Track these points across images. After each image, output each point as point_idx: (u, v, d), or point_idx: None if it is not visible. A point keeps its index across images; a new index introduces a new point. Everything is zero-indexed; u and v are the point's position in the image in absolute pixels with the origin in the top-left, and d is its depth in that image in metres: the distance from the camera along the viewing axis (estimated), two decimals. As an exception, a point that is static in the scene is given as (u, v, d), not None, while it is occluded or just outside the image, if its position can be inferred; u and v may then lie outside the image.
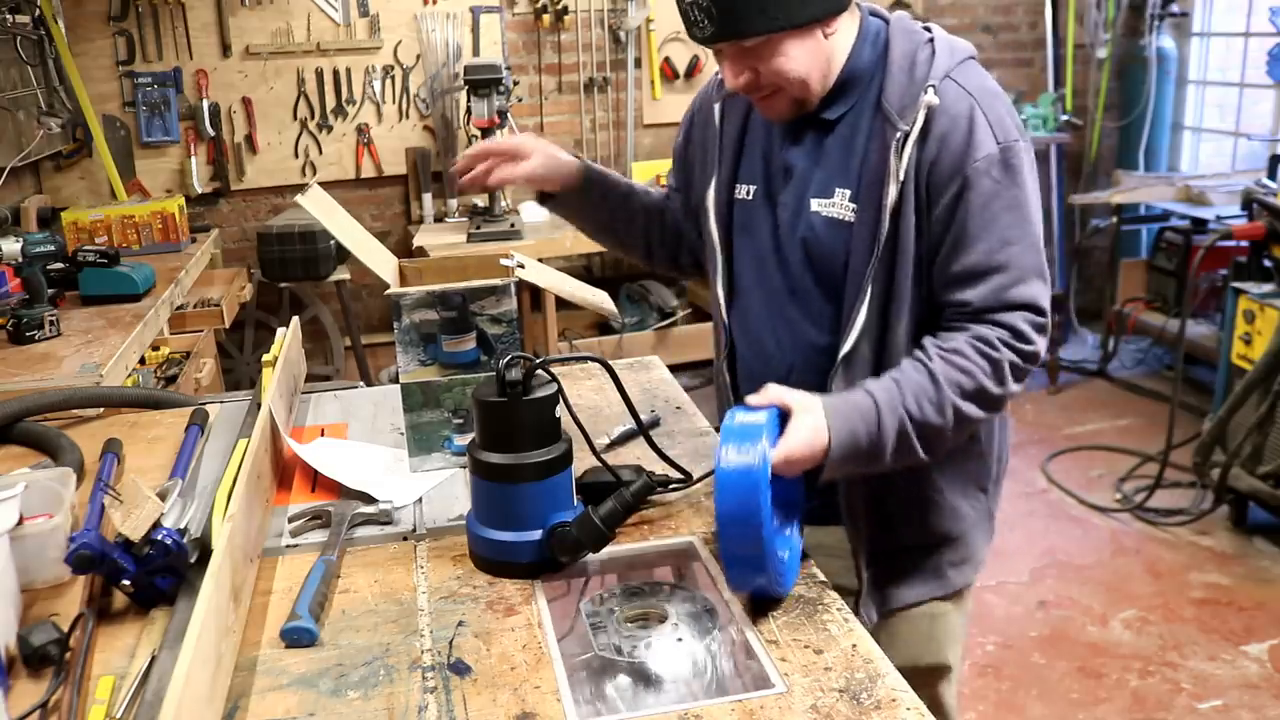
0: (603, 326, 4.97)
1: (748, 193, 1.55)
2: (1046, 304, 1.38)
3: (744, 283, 1.57)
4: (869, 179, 1.40)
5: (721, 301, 1.60)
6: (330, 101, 4.76)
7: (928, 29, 1.45)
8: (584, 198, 1.71)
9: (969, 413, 1.34)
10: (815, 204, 1.46)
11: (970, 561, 1.61)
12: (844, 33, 1.42)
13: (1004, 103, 1.40)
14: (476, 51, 4.86)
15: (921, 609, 1.59)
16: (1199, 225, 4.58)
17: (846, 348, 1.42)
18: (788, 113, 1.44)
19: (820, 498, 1.46)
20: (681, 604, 1.24)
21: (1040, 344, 1.37)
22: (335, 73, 4.74)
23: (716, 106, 1.60)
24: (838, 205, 1.43)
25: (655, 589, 1.28)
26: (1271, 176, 4.27)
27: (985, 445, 1.56)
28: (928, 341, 1.37)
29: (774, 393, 1.28)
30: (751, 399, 1.28)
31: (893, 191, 1.36)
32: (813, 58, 1.39)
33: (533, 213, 4.70)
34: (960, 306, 1.38)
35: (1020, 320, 1.35)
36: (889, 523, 1.53)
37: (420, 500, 1.52)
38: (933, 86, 1.35)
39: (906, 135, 1.35)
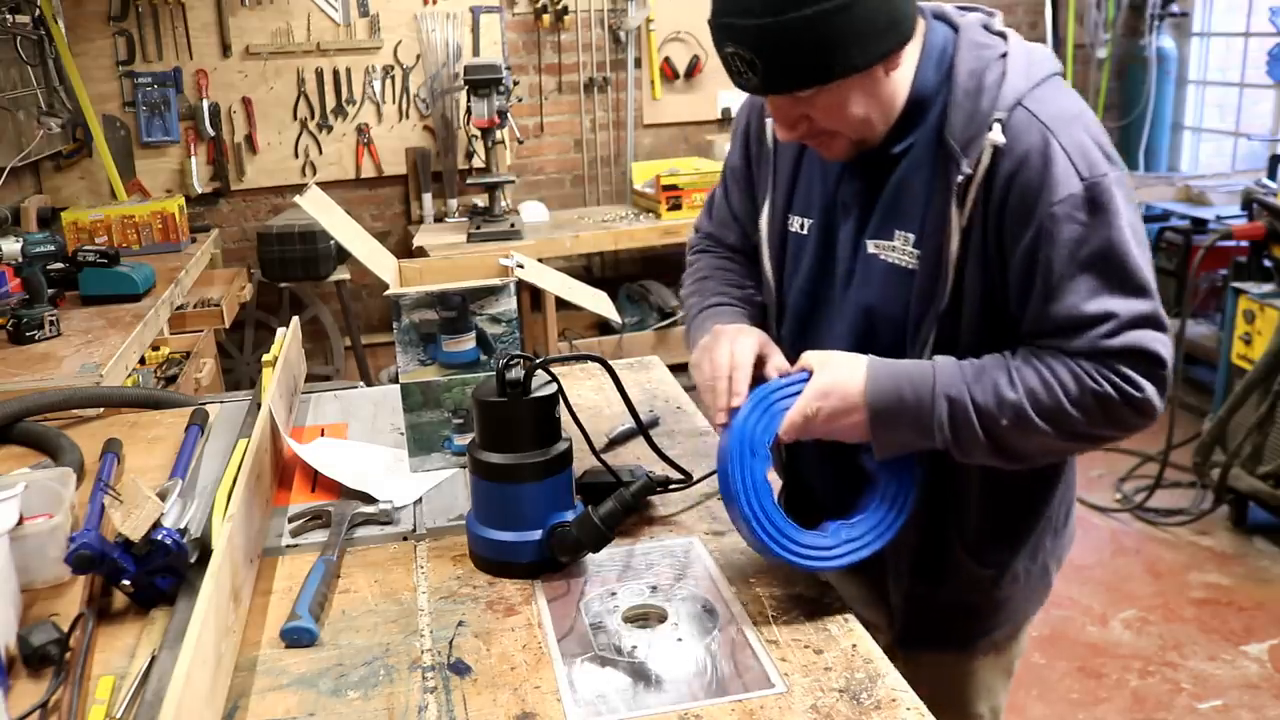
0: (603, 326, 4.97)
1: (802, 226, 1.39)
2: (1161, 348, 1.18)
3: (796, 322, 1.43)
4: (931, 225, 1.23)
5: (782, 340, 1.43)
6: (330, 101, 4.77)
7: (1003, 35, 1.26)
8: None
9: (1044, 430, 1.19)
10: (872, 246, 1.30)
11: (1014, 622, 1.49)
12: (908, 53, 1.23)
13: (1088, 128, 1.20)
14: (476, 51, 4.86)
15: (948, 657, 1.49)
16: (1199, 225, 4.58)
17: None
18: (847, 154, 1.28)
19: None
20: (681, 604, 1.24)
21: (1150, 392, 1.18)
22: (335, 73, 4.74)
23: (769, 123, 1.41)
24: (898, 250, 1.27)
25: (655, 589, 1.28)
26: (1271, 176, 4.27)
27: (1047, 502, 1.41)
28: (1028, 353, 1.23)
29: (805, 358, 1.24)
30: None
31: (954, 243, 1.21)
32: (874, 99, 1.21)
33: (533, 213, 4.71)
34: (1057, 349, 1.21)
35: (1123, 364, 1.18)
36: (931, 573, 1.41)
37: (420, 500, 1.52)
38: (999, 120, 1.18)
39: (969, 179, 1.19)
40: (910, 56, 1.24)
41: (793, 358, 1.36)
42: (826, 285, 1.37)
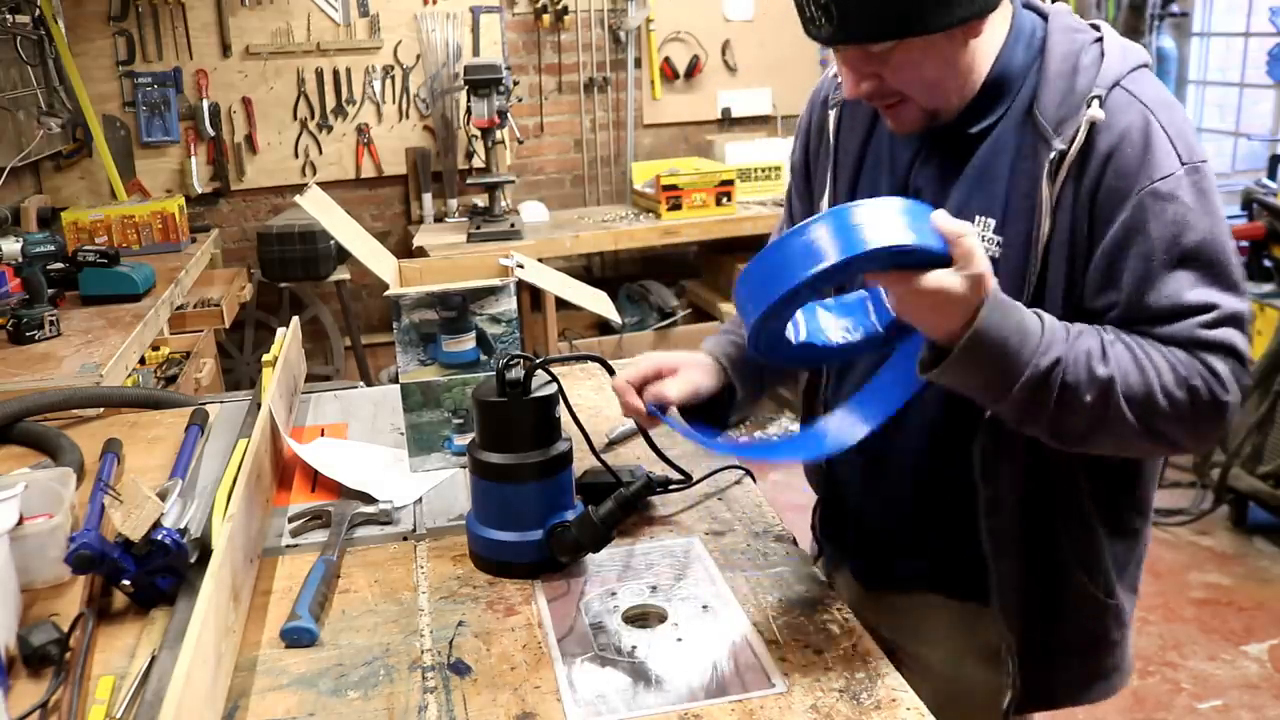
0: (603, 326, 4.97)
1: None
2: (1247, 350, 1.13)
3: None
4: (1016, 207, 1.17)
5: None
6: (330, 101, 4.77)
7: (1095, 26, 1.22)
8: (742, 392, 1.42)
9: (1125, 415, 1.09)
10: None
11: (1122, 671, 1.38)
12: (993, 30, 1.18)
13: (1184, 117, 1.16)
14: (476, 51, 4.86)
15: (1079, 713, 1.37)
16: (1199, 225, 4.57)
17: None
18: (918, 124, 1.22)
19: (967, 567, 1.28)
20: (681, 604, 1.24)
21: (1233, 397, 1.12)
22: (335, 73, 4.74)
23: (832, 113, 1.37)
24: (979, 236, 1.15)
25: (655, 589, 1.28)
26: (1271, 176, 4.27)
27: (1140, 542, 1.33)
28: (1117, 330, 1.14)
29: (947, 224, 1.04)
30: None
31: (1046, 225, 1.14)
32: (950, 66, 1.16)
33: (533, 213, 4.71)
34: (1151, 335, 1.13)
35: (1218, 361, 1.11)
36: (1049, 612, 1.29)
37: (420, 500, 1.52)
38: (1098, 97, 1.12)
39: (1063, 155, 1.13)
40: (996, 31, 1.19)
41: (851, 373, 1.36)
42: None
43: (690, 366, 1.37)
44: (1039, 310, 1.11)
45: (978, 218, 1.20)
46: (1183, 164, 1.11)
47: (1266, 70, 4.85)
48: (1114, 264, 1.13)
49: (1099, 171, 1.12)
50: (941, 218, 1.03)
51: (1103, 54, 1.16)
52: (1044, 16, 1.23)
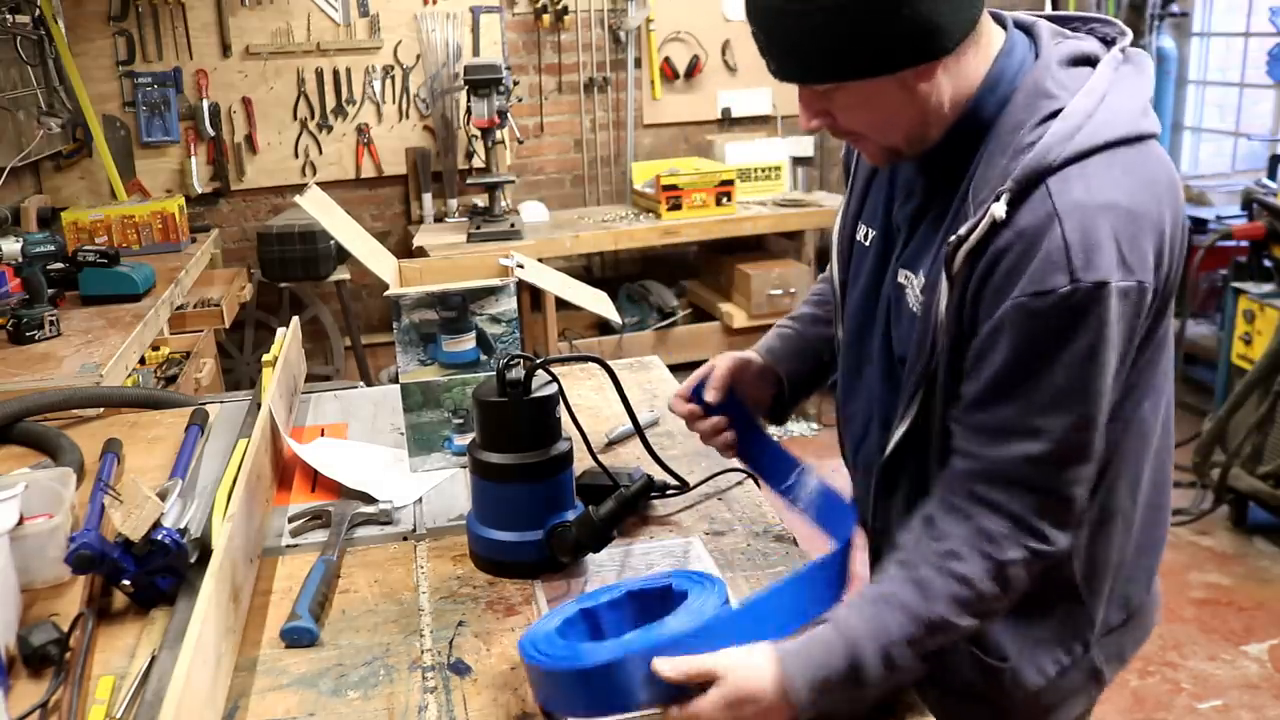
0: (603, 326, 4.97)
1: (866, 236, 1.30)
2: (1079, 494, 1.06)
3: (851, 332, 1.34)
4: (932, 275, 1.13)
5: (837, 341, 1.38)
6: (330, 101, 4.76)
7: (1090, 65, 1.09)
8: (801, 389, 1.46)
9: (969, 625, 1.06)
10: (901, 275, 1.20)
11: (1050, 718, 1.28)
12: (962, 74, 1.09)
13: (1119, 223, 1.01)
14: (476, 51, 4.86)
15: None
16: (1199, 225, 4.57)
17: (888, 450, 1.20)
18: (880, 159, 1.18)
19: None
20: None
21: (1061, 541, 1.07)
22: (335, 73, 4.74)
23: None
24: (913, 288, 1.17)
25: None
26: (1271, 176, 4.27)
27: (1083, 584, 1.21)
28: (917, 535, 1.09)
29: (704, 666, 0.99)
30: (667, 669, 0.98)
31: (943, 304, 1.09)
32: (903, 108, 1.09)
33: (533, 213, 4.71)
34: (970, 458, 1.08)
35: (1029, 511, 1.05)
36: (954, 700, 1.23)
37: (420, 500, 1.53)
38: (1010, 191, 1.02)
39: (961, 243, 1.06)
40: (966, 73, 1.09)
41: (844, 357, 1.35)
42: (876, 302, 1.27)
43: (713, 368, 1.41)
44: (832, 614, 1.06)
45: (918, 270, 1.17)
46: (1073, 281, 0.99)
47: (1266, 70, 4.85)
48: (974, 365, 1.07)
49: (988, 268, 1.04)
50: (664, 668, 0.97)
51: (1042, 136, 1.04)
52: (1038, 54, 1.12)
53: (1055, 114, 1.05)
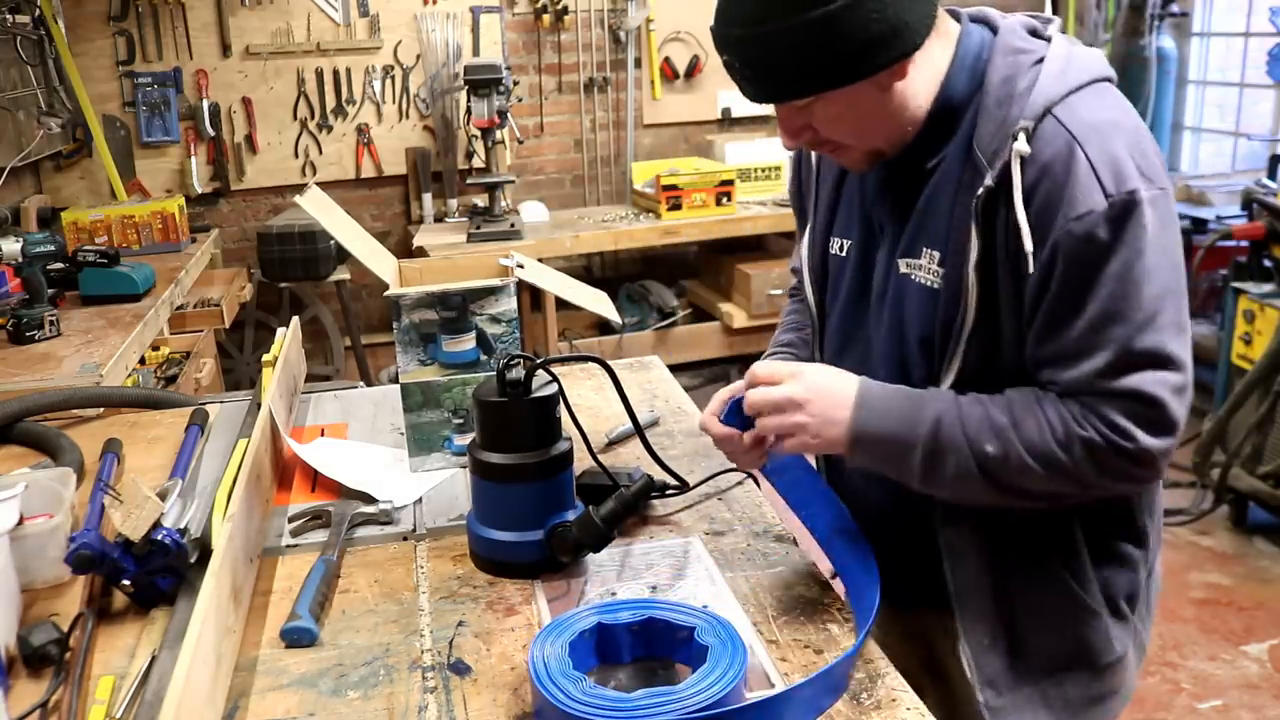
0: (603, 326, 4.97)
1: (841, 248, 1.33)
2: (1163, 391, 1.08)
3: (836, 344, 1.37)
4: (955, 240, 1.15)
5: (818, 359, 1.41)
6: (330, 101, 4.77)
7: (1047, 39, 1.17)
8: None
9: (1031, 466, 1.11)
10: (903, 265, 1.23)
11: (1119, 695, 1.30)
12: (929, 64, 1.16)
13: (1129, 139, 1.09)
14: (476, 51, 4.86)
15: None
16: (1199, 225, 4.58)
17: None
18: (864, 165, 1.23)
19: (917, 579, 1.28)
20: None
21: (1147, 441, 1.08)
22: (335, 73, 4.74)
23: None
24: (925, 269, 1.20)
25: (655, 589, 1.28)
26: (1271, 176, 4.27)
27: (1134, 551, 1.28)
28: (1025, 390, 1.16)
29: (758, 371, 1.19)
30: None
31: (972, 261, 1.12)
32: (880, 110, 1.15)
33: (533, 213, 4.71)
34: (1049, 387, 1.13)
35: (1114, 410, 1.08)
36: (1016, 635, 1.25)
37: (420, 500, 1.52)
38: (1025, 129, 1.09)
39: (991, 192, 1.10)
40: (935, 62, 1.17)
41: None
42: (864, 307, 1.31)
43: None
44: (927, 390, 1.17)
45: (924, 251, 1.21)
46: (1107, 196, 1.06)
47: (1266, 70, 4.85)
48: (1034, 304, 1.12)
49: (1025, 207, 1.09)
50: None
51: (1038, 78, 1.12)
52: (995, 30, 1.19)
53: (1039, 62, 1.13)
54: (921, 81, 1.16)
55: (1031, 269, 1.09)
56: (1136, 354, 1.08)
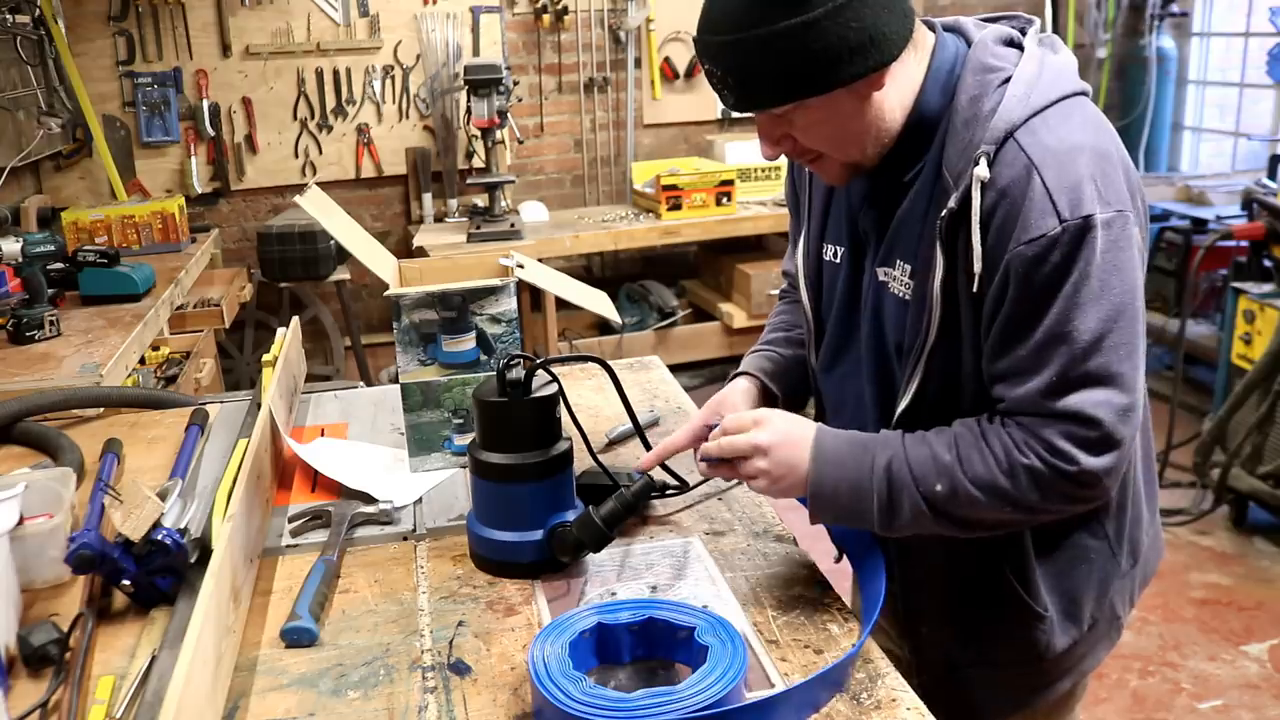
0: (603, 326, 4.97)
1: (834, 254, 1.36)
2: (1104, 413, 1.09)
3: (829, 349, 1.39)
4: (924, 256, 1.18)
5: (814, 370, 1.43)
6: (330, 101, 4.77)
7: (1020, 48, 1.18)
8: (783, 397, 1.49)
9: (978, 498, 1.13)
10: (881, 274, 1.26)
11: (1077, 670, 1.35)
12: (906, 77, 1.17)
13: (1090, 161, 1.10)
14: (476, 51, 4.86)
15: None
16: (1199, 225, 4.58)
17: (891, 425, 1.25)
18: (842, 177, 1.24)
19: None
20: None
21: (1088, 462, 1.10)
22: (335, 73, 4.74)
23: None
24: (898, 280, 1.23)
25: (655, 589, 1.28)
26: (1271, 176, 4.27)
27: (1113, 535, 1.30)
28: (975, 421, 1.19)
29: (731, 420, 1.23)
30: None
31: (937, 279, 1.15)
32: (857, 119, 1.16)
33: (533, 213, 4.71)
34: (998, 403, 1.16)
35: (1054, 434, 1.10)
36: (965, 627, 1.34)
37: (420, 500, 1.52)
38: (986, 154, 1.10)
39: (953, 214, 1.12)
40: (910, 75, 1.18)
41: (825, 383, 1.41)
42: (854, 313, 1.33)
43: (722, 404, 1.41)
44: (876, 435, 1.20)
45: (898, 262, 1.23)
46: (1061, 221, 1.07)
47: (1266, 70, 4.85)
48: (990, 321, 1.14)
49: (983, 231, 1.11)
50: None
51: (1002, 99, 1.12)
52: (970, 43, 1.20)
53: (1006, 81, 1.14)
54: (897, 94, 1.17)
55: (976, 288, 1.13)
56: (1079, 375, 1.09)
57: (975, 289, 1.13)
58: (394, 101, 4.84)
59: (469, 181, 4.66)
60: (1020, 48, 1.19)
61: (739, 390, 1.44)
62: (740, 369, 1.49)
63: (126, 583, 1.24)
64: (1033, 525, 1.23)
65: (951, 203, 1.12)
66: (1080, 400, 1.09)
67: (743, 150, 4.92)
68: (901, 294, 1.23)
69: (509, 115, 4.35)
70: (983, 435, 1.15)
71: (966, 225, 1.12)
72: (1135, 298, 1.11)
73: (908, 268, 1.21)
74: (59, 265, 2.70)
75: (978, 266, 1.11)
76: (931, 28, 1.22)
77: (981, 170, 1.10)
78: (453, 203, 4.83)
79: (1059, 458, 1.10)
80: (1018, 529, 1.24)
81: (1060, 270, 1.08)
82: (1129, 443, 1.12)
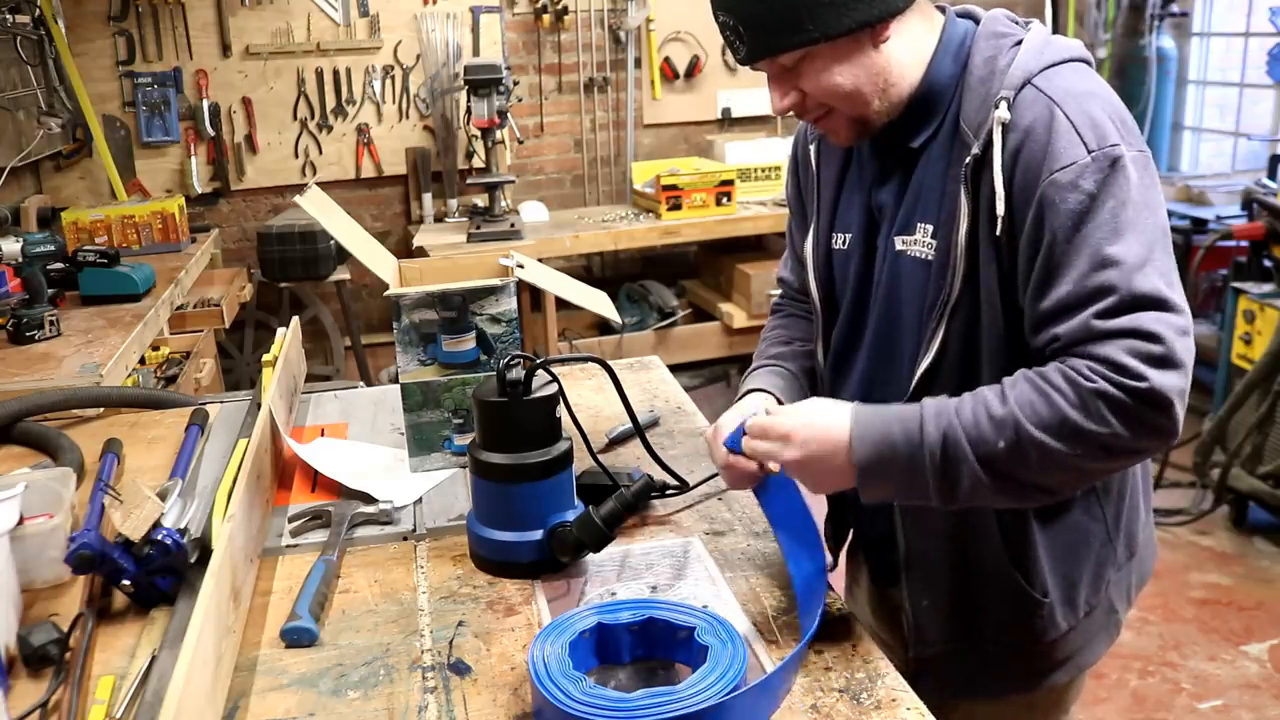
0: (603, 326, 4.97)
1: (843, 241, 1.37)
2: (1164, 329, 1.06)
3: (844, 332, 1.39)
4: (946, 212, 1.20)
5: (821, 361, 1.43)
6: (330, 101, 4.76)
7: (1027, 24, 1.25)
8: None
9: (1048, 444, 1.06)
10: (899, 242, 1.27)
11: (1073, 664, 1.35)
12: (914, 40, 1.22)
13: (1106, 105, 1.14)
14: (476, 51, 4.86)
15: (999, 705, 1.38)
16: (1199, 225, 4.58)
17: (910, 389, 1.23)
18: (849, 135, 1.26)
19: (876, 552, 1.37)
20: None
21: (1155, 377, 1.04)
22: (335, 73, 4.74)
23: (812, 148, 1.43)
24: (919, 242, 1.24)
25: (655, 589, 1.28)
26: (1271, 176, 4.27)
27: (1108, 516, 1.30)
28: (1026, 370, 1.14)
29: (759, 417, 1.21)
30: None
31: (963, 229, 1.16)
32: (863, 70, 1.19)
33: (533, 213, 4.71)
34: (1050, 345, 1.12)
35: (1118, 350, 1.06)
36: (967, 610, 1.32)
37: (420, 500, 1.52)
38: (1005, 98, 1.14)
39: (977, 160, 1.15)
40: (921, 43, 1.23)
41: (840, 366, 1.40)
42: (868, 293, 1.34)
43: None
44: (919, 403, 1.13)
45: (918, 225, 1.25)
46: (1089, 151, 1.10)
47: (1266, 70, 4.85)
48: (1027, 265, 1.14)
49: (1009, 170, 1.14)
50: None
51: (1016, 55, 1.18)
52: (978, 22, 1.26)
53: (1018, 44, 1.20)
54: (908, 53, 1.22)
55: (1000, 231, 1.14)
56: (1130, 297, 1.07)
57: (998, 232, 1.14)
58: (394, 101, 4.84)
59: (469, 181, 4.66)
60: (1024, 23, 1.26)
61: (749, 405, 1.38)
62: (750, 385, 1.42)
63: (126, 583, 1.24)
64: (1100, 477, 1.22)
65: (975, 149, 1.15)
66: (1137, 319, 1.06)
67: (743, 150, 4.92)
68: (923, 255, 1.24)
69: (509, 115, 4.35)
70: (1040, 376, 1.09)
71: (990, 169, 1.14)
72: (1167, 240, 1.11)
73: (929, 228, 1.24)
74: (59, 265, 2.70)
75: (1000, 208, 1.13)
76: (943, 11, 1.28)
77: (1002, 112, 1.14)
78: (453, 203, 4.83)
79: (1127, 375, 1.05)
80: (1079, 487, 1.22)
81: (1095, 196, 1.09)
82: (1190, 370, 1.08)
